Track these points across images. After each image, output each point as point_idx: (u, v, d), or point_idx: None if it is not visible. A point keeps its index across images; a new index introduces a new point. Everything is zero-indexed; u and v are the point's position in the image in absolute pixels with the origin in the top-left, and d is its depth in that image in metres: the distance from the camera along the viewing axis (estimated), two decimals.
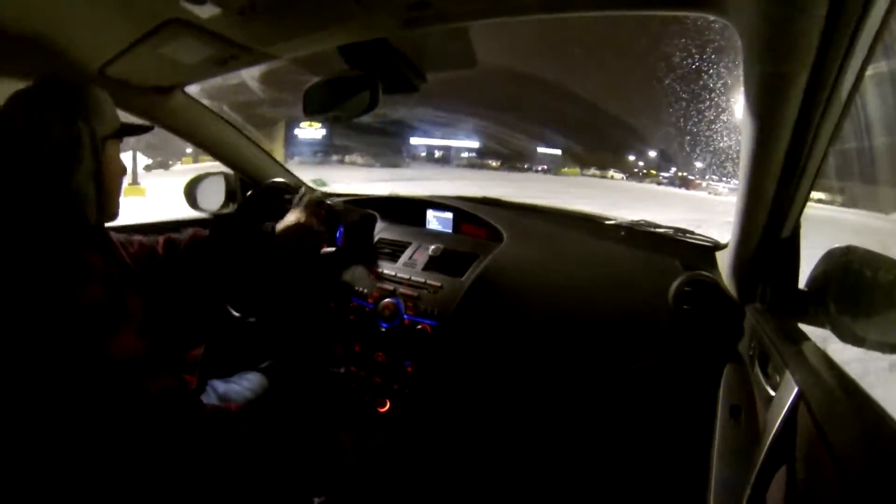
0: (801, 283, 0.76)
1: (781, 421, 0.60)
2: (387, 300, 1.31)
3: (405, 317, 1.28)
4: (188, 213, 1.62)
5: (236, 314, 1.31)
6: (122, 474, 0.68)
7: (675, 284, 1.05)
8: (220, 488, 0.75)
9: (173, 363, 0.77)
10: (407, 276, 1.33)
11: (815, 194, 0.71)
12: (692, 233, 1.29)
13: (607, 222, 1.45)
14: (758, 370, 0.77)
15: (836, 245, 0.68)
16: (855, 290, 0.62)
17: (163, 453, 0.69)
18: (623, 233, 1.35)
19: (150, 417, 0.68)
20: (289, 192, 1.39)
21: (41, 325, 0.64)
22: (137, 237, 1.01)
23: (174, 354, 0.87)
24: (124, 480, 0.68)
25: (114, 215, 0.84)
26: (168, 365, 0.74)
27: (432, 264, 1.36)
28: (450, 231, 1.51)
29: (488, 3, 0.72)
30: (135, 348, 0.70)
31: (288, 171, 1.71)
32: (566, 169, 37.99)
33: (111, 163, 0.81)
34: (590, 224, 1.48)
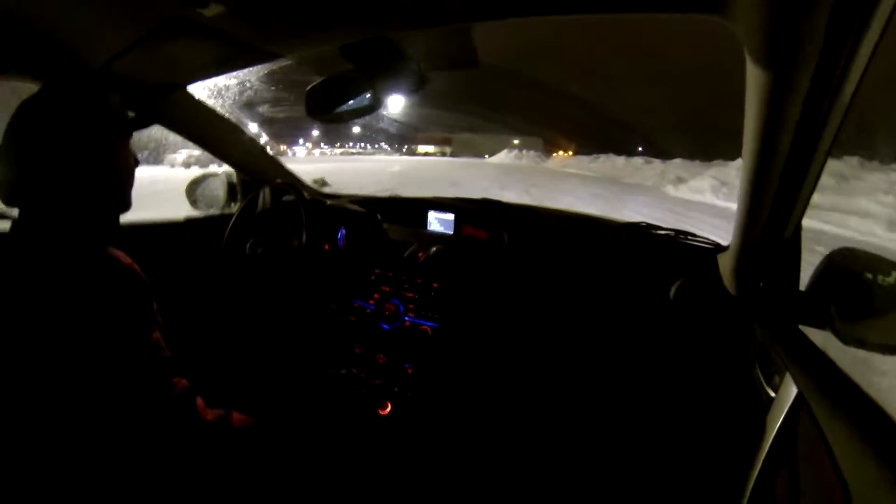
0: (802, 286, 0.76)
1: (782, 422, 0.61)
2: (388, 302, 1.31)
3: (406, 318, 1.28)
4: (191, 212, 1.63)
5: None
6: (134, 472, 0.69)
7: (675, 286, 1.05)
8: (222, 491, 0.75)
9: (187, 366, 0.77)
10: (408, 278, 1.33)
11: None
12: (693, 235, 1.29)
13: (608, 224, 1.45)
14: (758, 372, 0.77)
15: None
16: (855, 292, 0.62)
17: (173, 455, 0.70)
18: (624, 234, 1.35)
19: (170, 418, 0.68)
20: (289, 194, 1.39)
21: (74, 325, 0.65)
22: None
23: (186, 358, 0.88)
24: (134, 478, 0.69)
25: (127, 206, 0.85)
26: (184, 368, 0.75)
27: (433, 265, 1.36)
28: (451, 232, 1.51)
29: (489, 3, 0.72)
30: (162, 348, 0.71)
31: (289, 171, 1.71)
32: None
33: (123, 159, 0.82)
34: (590, 225, 1.48)
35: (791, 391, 0.61)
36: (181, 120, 1.36)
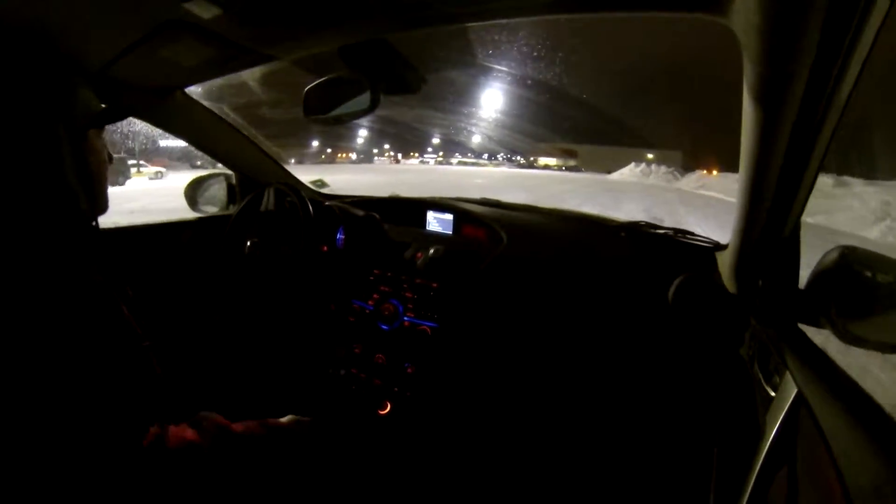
0: (801, 284, 0.76)
1: (781, 421, 0.60)
2: (387, 302, 1.31)
3: (405, 318, 1.28)
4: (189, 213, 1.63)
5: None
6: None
7: (674, 285, 1.05)
8: (218, 493, 0.74)
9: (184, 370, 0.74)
10: (407, 278, 1.33)
11: None
12: (692, 234, 1.29)
13: (607, 223, 1.45)
14: (758, 371, 0.77)
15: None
16: (855, 290, 0.62)
17: (170, 465, 0.66)
18: (623, 233, 1.35)
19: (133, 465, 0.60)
20: (288, 195, 1.40)
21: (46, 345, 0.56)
22: None
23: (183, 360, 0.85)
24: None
25: (104, 207, 0.79)
26: (180, 389, 0.72)
27: (432, 266, 1.36)
28: (450, 232, 1.51)
29: (488, 4, 0.72)
30: (126, 393, 0.63)
31: (288, 172, 1.71)
32: None
33: (96, 152, 0.76)
34: (589, 225, 1.48)
35: (791, 390, 0.61)
36: (180, 123, 1.36)
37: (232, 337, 1.48)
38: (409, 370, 1.23)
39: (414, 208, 1.58)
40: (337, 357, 1.36)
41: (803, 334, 0.73)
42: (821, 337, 0.70)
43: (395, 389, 1.24)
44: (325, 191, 1.87)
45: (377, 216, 1.55)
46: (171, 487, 0.62)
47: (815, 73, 0.48)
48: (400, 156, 74.47)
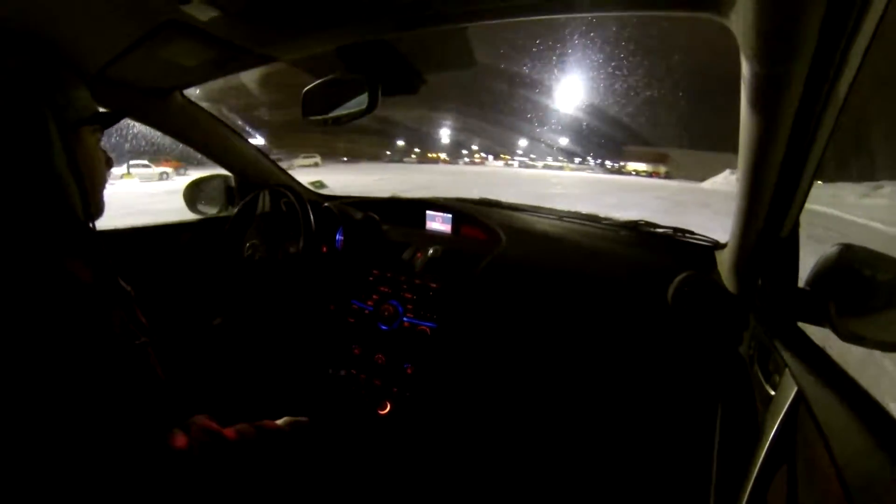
0: (801, 282, 0.76)
1: (781, 420, 0.60)
2: (386, 302, 1.31)
3: (404, 319, 1.28)
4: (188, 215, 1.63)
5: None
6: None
7: (673, 284, 1.05)
8: (216, 494, 0.73)
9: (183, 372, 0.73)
10: (406, 279, 1.33)
11: None
12: (692, 233, 1.29)
13: (606, 222, 1.45)
14: (757, 370, 0.77)
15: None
16: (854, 288, 0.62)
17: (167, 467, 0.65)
18: (622, 233, 1.35)
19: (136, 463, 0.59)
20: (287, 196, 1.39)
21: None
22: None
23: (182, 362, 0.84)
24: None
25: (100, 210, 0.76)
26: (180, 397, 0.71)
27: (432, 266, 1.36)
28: (449, 232, 1.51)
29: (487, 4, 0.72)
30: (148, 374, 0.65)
31: (286, 173, 1.71)
32: None
33: (90, 152, 0.73)
34: (588, 224, 1.48)
35: (790, 389, 0.61)
36: (178, 124, 1.36)
37: (232, 338, 1.48)
38: (408, 370, 1.23)
39: (413, 208, 1.58)
40: (337, 357, 1.36)
41: (803, 333, 0.73)
42: (820, 335, 0.70)
43: (395, 390, 1.24)
44: (323, 191, 1.87)
45: (376, 217, 1.55)
46: (161, 495, 0.60)
47: (813, 72, 0.48)
48: (491, 158, 79.91)
